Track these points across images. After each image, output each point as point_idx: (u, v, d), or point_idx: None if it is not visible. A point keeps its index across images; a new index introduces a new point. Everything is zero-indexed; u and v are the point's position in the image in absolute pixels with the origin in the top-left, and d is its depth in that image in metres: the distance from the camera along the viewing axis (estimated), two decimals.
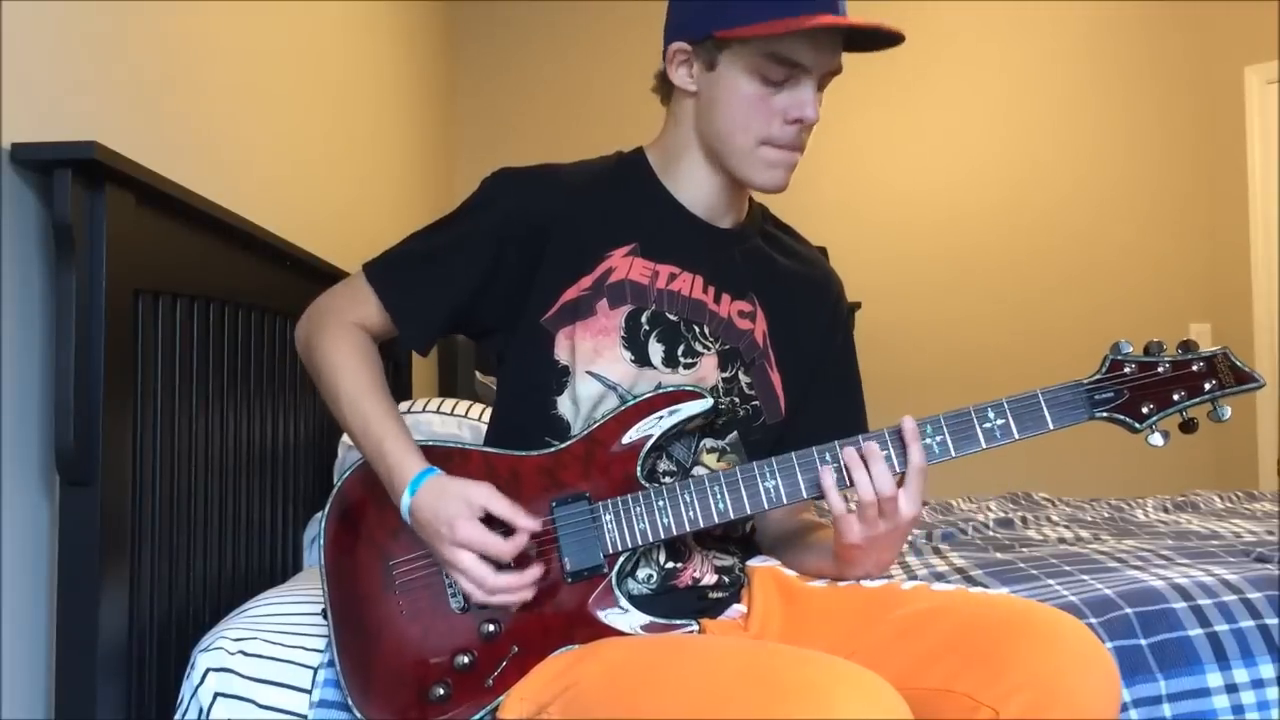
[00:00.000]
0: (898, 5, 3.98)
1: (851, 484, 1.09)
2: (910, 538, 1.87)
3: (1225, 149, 3.87)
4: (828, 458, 1.11)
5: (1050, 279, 3.96)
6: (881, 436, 1.11)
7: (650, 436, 1.14)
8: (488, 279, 1.22)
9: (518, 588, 1.08)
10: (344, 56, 2.57)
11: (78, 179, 1.22)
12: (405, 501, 1.10)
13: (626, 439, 1.14)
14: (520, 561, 1.09)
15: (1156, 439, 1.09)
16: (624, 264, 1.21)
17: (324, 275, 2.01)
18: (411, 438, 1.16)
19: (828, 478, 1.09)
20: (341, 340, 1.22)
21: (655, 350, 1.19)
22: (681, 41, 1.17)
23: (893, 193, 4.00)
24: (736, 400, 1.22)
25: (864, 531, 1.10)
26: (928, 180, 3.99)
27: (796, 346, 1.27)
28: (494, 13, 4.00)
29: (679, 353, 1.20)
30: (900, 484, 1.09)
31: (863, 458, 1.09)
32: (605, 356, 1.18)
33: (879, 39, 1.13)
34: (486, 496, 1.09)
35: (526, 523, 1.08)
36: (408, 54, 3.24)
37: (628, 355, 1.19)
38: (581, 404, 1.18)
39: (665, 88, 1.24)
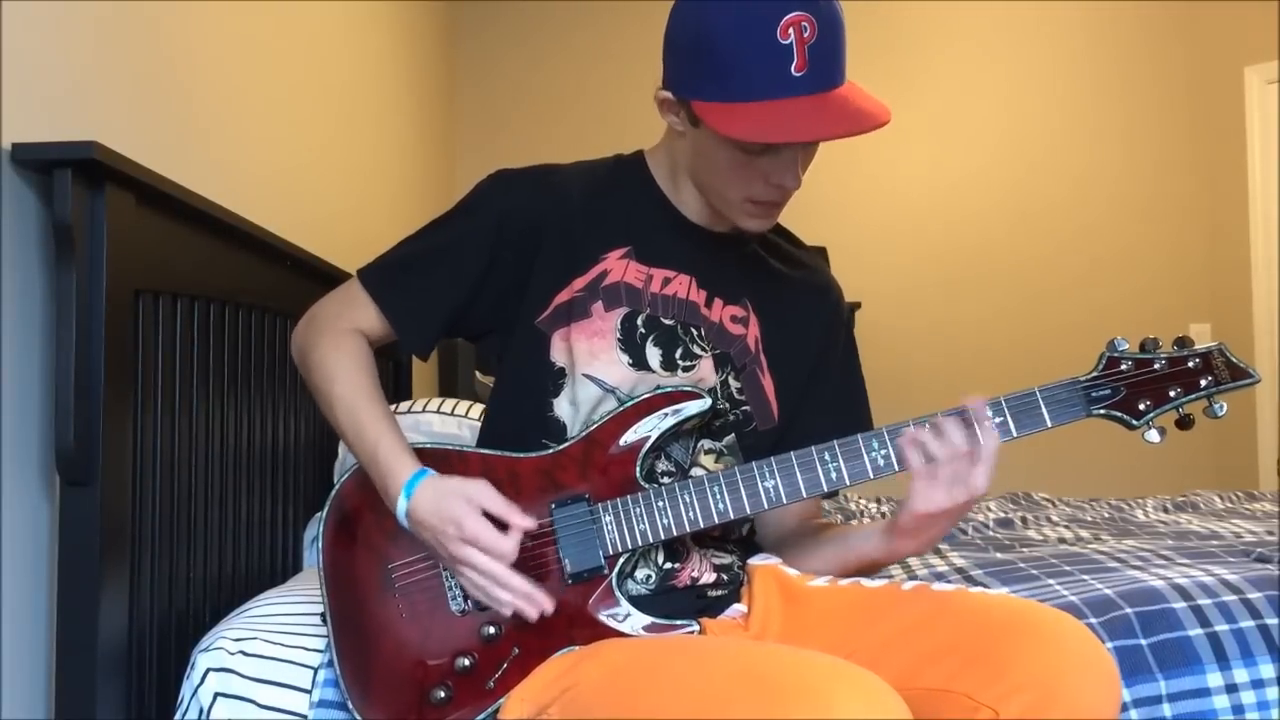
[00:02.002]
0: (898, 6, 4.01)
1: (926, 455, 1.07)
2: None
3: (1225, 149, 3.87)
4: (827, 456, 1.11)
5: (1050, 279, 3.96)
6: (952, 413, 1.09)
7: (649, 437, 1.14)
8: (484, 280, 1.22)
9: (529, 592, 1.07)
10: (344, 56, 2.57)
11: (78, 179, 1.22)
12: (401, 505, 1.10)
13: (625, 440, 1.14)
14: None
15: (1153, 436, 1.09)
16: (619, 266, 1.21)
17: (324, 275, 2.01)
18: (405, 441, 1.15)
19: (911, 452, 1.08)
20: (336, 346, 1.21)
21: (653, 354, 1.19)
22: (667, 92, 1.14)
23: (893, 193, 4.00)
24: (727, 405, 1.22)
25: (940, 498, 1.07)
26: (928, 180, 3.99)
27: (792, 352, 1.26)
28: (494, 13, 4.00)
29: (677, 355, 1.20)
30: (976, 457, 1.07)
31: (933, 426, 1.08)
32: (602, 359, 1.18)
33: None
34: (483, 493, 1.08)
35: (521, 520, 1.08)
36: (408, 54, 3.24)
37: (625, 358, 1.18)
38: (581, 406, 1.18)
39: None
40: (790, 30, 1.03)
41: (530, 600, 1.07)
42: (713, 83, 1.07)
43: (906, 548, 1.17)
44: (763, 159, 1.11)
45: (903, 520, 1.13)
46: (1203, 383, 1.08)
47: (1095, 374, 1.10)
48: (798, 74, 1.04)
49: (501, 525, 1.08)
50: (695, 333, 1.21)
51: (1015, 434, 1.09)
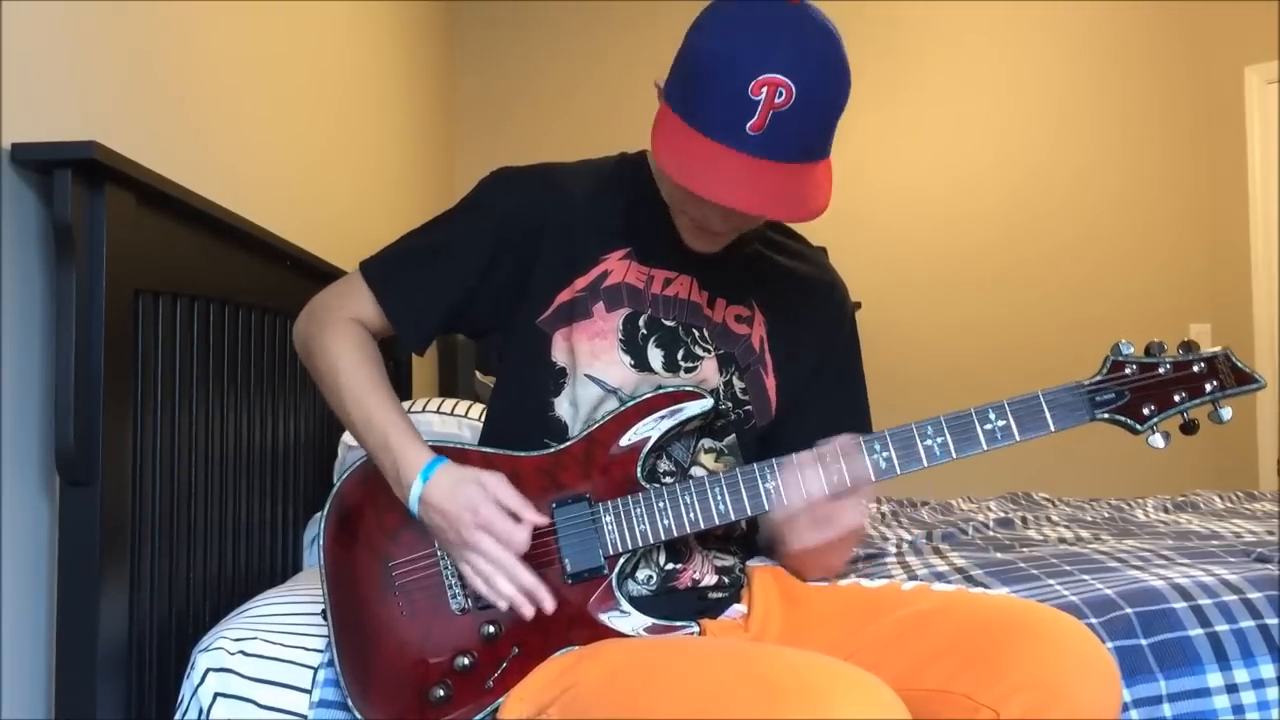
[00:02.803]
0: (898, 6, 4.01)
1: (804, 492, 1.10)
2: (910, 537, 1.87)
3: (1225, 149, 3.87)
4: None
5: (1050, 279, 3.96)
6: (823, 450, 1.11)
7: (650, 437, 1.14)
8: (483, 279, 1.21)
9: (533, 587, 1.07)
10: (344, 56, 2.57)
11: (78, 179, 1.22)
12: (416, 489, 1.10)
13: (626, 440, 1.14)
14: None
15: (1157, 440, 1.09)
16: (620, 267, 1.21)
17: (324, 275, 2.01)
18: (415, 429, 1.16)
19: (791, 491, 1.11)
20: (341, 336, 1.21)
21: (655, 355, 1.19)
22: (659, 84, 1.13)
23: (893, 193, 4.00)
24: (730, 405, 1.22)
25: (814, 535, 1.11)
26: (927, 180, 3.99)
27: (798, 350, 1.26)
28: (494, 13, 4.00)
29: (679, 357, 1.20)
30: (847, 494, 1.10)
31: (799, 465, 1.10)
32: (603, 360, 1.18)
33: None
34: (499, 485, 1.09)
35: (533, 516, 1.08)
36: (408, 54, 3.24)
37: (627, 359, 1.18)
38: (581, 406, 1.18)
39: None
40: (763, 89, 1.00)
41: (532, 596, 1.07)
42: (682, 98, 1.06)
43: (811, 574, 1.23)
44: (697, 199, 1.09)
45: (787, 554, 1.18)
46: (1208, 387, 1.08)
47: (1099, 377, 1.10)
48: (752, 132, 1.01)
49: (513, 518, 1.08)
50: (697, 334, 1.21)
51: (1018, 438, 1.09)
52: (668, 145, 1.05)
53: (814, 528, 1.10)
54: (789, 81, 1.00)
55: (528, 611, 1.07)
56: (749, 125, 1.01)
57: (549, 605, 1.08)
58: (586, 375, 1.17)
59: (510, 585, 1.07)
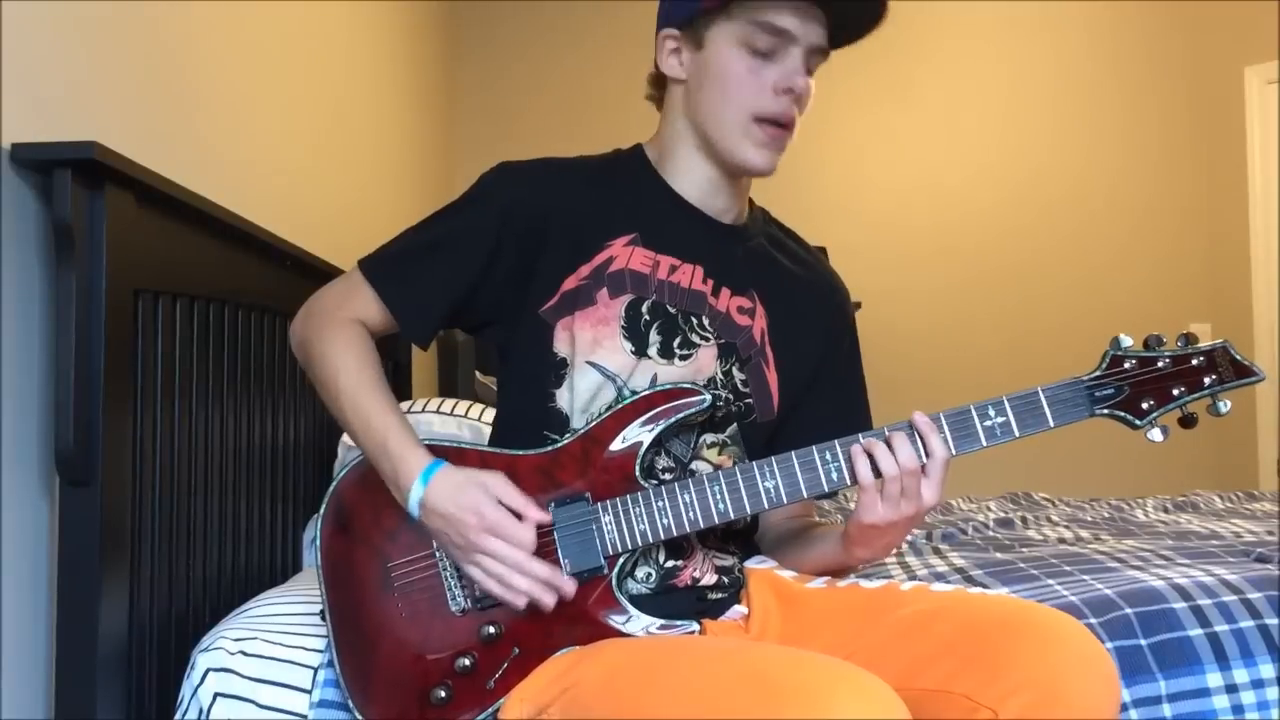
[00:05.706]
0: (898, 6, 4.00)
1: (875, 469, 1.07)
2: (910, 538, 1.87)
3: (1225, 149, 3.87)
4: (828, 456, 1.10)
5: (1050, 279, 3.96)
6: (903, 427, 1.10)
7: (647, 438, 1.14)
8: (486, 272, 1.21)
9: (549, 577, 1.07)
10: (344, 56, 2.57)
11: (78, 179, 1.22)
12: (416, 493, 1.09)
13: (624, 438, 1.14)
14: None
15: (1155, 435, 1.09)
16: (624, 253, 1.21)
17: (324, 275, 2.00)
18: (414, 433, 1.15)
19: (860, 461, 1.08)
20: (338, 338, 1.21)
21: (653, 341, 1.19)
22: (670, 28, 1.18)
23: (893, 193, 4.00)
24: (730, 396, 1.22)
25: (886, 511, 1.08)
26: (927, 181, 3.99)
27: (796, 348, 1.27)
28: (494, 13, 4.00)
29: (675, 344, 1.20)
30: (924, 472, 1.08)
31: (886, 441, 1.08)
32: (605, 346, 1.18)
33: (863, 22, 1.16)
34: (500, 484, 1.09)
35: (536, 514, 1.08)
36: (408, 54, 3.24)
37: (628, 345, 1.18)
38: (579, 395, 1.18)
39: (658, 89, 1.26)
40: None
41: (549, 586, 1.07)
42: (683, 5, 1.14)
43: (860, 555, 1.18)
44: (769, 66, 1.15)
45: (850, 530, 1.15)
46: (1206, 381, 1.08)
47: (1099, 373, 1.10)
48: None
49: (517, 517, 1.08)
50: (696, 321, 1.21)
51: (1018, 434, 1.09)
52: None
53: (895, 499, 1.08)
54: None
55: (549, 601, 1.07)
56: None
57: (570, 589, 1.08)
58: (588, 362, 1.17)
59: (526, 581, 1.07)
